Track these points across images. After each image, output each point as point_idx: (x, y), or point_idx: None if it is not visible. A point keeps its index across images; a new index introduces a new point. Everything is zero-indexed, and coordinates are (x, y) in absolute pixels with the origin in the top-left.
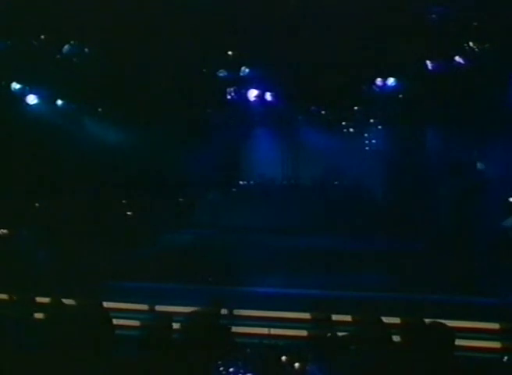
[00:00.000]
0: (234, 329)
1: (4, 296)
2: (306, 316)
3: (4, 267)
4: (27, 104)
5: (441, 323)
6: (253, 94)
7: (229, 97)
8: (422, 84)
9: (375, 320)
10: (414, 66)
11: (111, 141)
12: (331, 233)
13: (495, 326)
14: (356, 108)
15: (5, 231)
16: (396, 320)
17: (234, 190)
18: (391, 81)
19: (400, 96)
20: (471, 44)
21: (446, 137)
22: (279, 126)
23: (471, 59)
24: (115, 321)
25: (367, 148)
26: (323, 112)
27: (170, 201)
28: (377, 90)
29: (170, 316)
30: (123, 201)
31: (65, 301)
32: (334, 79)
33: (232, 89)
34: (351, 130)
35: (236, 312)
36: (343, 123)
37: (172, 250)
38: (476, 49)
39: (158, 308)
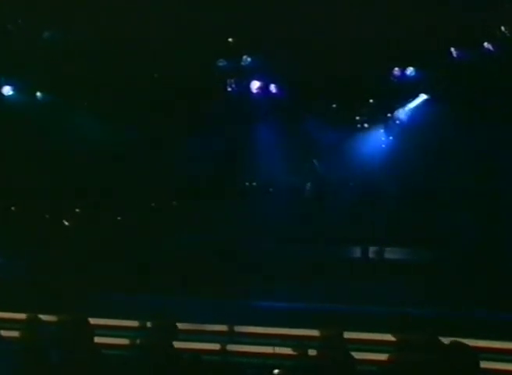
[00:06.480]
0: (235, 347)
1: None
2: (315, 333)
3: None
4: (2, 95)
5: (463, 344)
6: (255, 85)
7: (229, 89)
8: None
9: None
10: (436, 53)
11: (98, 137)
12: (340, 239)
13: None
14: (371, 101)
15: None
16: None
17: (235, 192)
18: (410, 71)
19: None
20: (502, 28)
21: (470, 131)
22: (284, 122)
23: (502, 46)
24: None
25: (383, 146)
26: (334, 105)
27: (164, 203)
28: (394, 80)
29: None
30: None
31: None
32: (346, 68)
33: (232, 80)
34: (365, 125)
35: (237, 328)
36: (357, 118)
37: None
38: (508, 34)
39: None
